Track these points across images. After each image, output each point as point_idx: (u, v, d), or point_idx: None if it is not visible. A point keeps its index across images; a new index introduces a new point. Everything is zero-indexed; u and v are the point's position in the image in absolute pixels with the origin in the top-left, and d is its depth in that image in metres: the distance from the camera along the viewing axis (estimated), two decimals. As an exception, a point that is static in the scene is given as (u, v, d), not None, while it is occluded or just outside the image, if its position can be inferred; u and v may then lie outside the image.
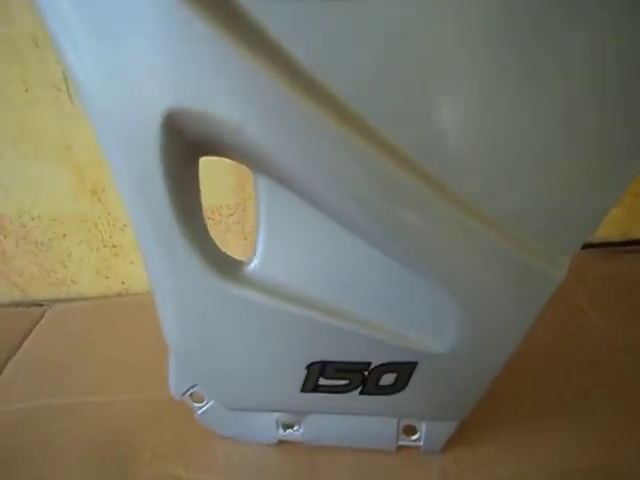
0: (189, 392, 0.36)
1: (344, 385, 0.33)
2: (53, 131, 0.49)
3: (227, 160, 0.28)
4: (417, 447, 0.36)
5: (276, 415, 0.36)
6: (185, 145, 0.27)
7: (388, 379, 0.32)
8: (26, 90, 0.47)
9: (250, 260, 0.31)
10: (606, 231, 0.58)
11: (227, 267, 0.31)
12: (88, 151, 0.50)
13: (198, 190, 0.30)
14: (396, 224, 0.27)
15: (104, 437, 0.40)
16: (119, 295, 0.59)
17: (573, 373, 0.43)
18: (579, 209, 0.28)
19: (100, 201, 0.53)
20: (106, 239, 0.56)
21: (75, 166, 0.51)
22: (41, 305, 0.58)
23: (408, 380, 0.32)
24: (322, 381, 0.32)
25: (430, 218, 0.27)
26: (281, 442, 0.37)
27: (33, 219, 0.54)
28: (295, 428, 0.37)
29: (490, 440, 0.37)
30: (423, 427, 0.35)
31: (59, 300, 0.59)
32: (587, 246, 0.58)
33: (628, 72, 0.24)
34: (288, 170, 0.26)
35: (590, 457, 0.36)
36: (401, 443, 0.36)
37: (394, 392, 0.33)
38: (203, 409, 0.37)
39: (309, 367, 0.32)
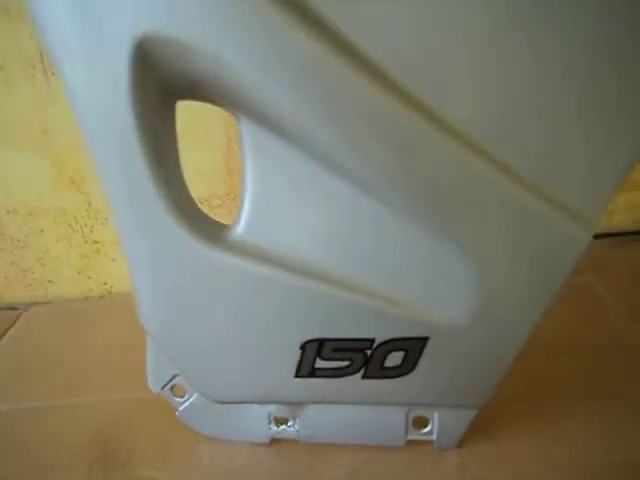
0: (169, 384, 0.32)
1: (344, 367, 0.28)
2: (28, 114, 0.46)
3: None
4: (429, 442, 0.31)
5: (268, 408, 0.32)
6: (159, 84, 0.24)
7: (395, 359, 0.28)
8: (-1, 69, 0.44)
9: (235, 223, 0.27)
10: (623, 220, 0.55)
11: (209, 231, 0.27)
12: (67, 136, 0.47)
13: (176, 143, 0.27)
14: (406, 168, 0.23)
15: (77, 439, 0.36)
16: (101, 297, 0.55)
17: (598, 366, 0.39)
18: (603, 159, 0.25)
19: (80, 191, 0.50)
20: (87, 234, 0.52)
21: (53, 153, 0.48)
22: (16, 309, 0.54)
23: (417, 360, 0.28)
24: (319, 363, 0.28)
25: (442, 163, 0.24)
26: (274, 441, 0.33)
27: (8, 213, 0.51)
28: (289, 424, 0.32)
29: (511, 434, 0.32)
30: (436, 418, 0.31)
31: (35, 303, 0.55)
32: (604, 235, 0.55)
33: None
34: (273, 107, 0.23)
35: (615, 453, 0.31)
36: (411, 437, 0.31)
37: (402, 375, 0.29)
38: (185, 405, 0.33)
39: (304, 346, 0.28)
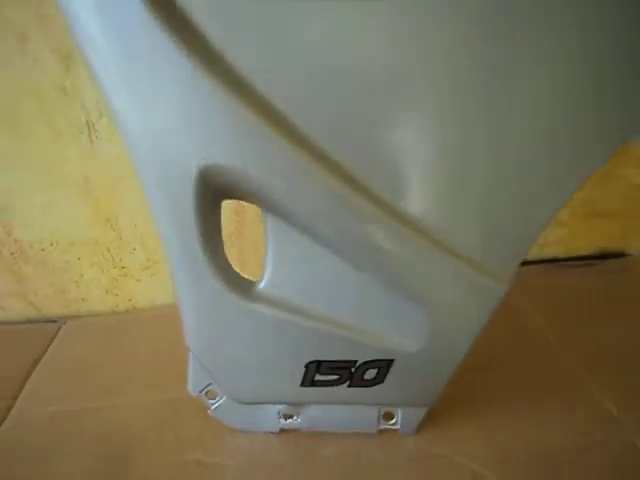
0: (205, 390, 0.44)
1: (335, 380, 0.40)
2: (74, 165, 0.56)
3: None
4: (395, 430, 0.44)
5: (278, 407, 0.44)
6: (212, 191, 0.35)
7: (371, 374, 0.40)
8: (54, 132, 0.54)
9: (259, 280, 0.39)
10: (554, 249, 0.68)
11: (241, 286, 0.38)
12: (104, 184, 0.57)
13: (220, 226, 0.38)
14: (367, 250, 0.35)
15: (124, 434, 0.47)
16: (126, 312, 0.66)
17: (525, 369, 0.52)
18: (516, 235, 0.37)
19: (113, 228, 0.60)
20: (116, 262, 0.63)
21: (92, 196, 0.58)
22: (55, 322, 0.65)
23: (386, 374, 0.40)
24: (318, 377, 0.40)
25: (393, 245, 0.35)
26: (282, 430, 0.45)
27: (51, 244, 0.61)
28: (294, 418, 0.44)
29: (451, 424, 0.45)
30: (399, 413, 0.43)
31: (70, 317, 0.65)
32: (538, 262, 0.68)
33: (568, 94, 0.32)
34: (282, 207, 0.34)
35: (532, 436, 0.44)
36: (381, 427, 0.44)
37: (375, 384, 0.41)
38: (216, 404, 0.44)
39: (307, 365, 0.40)
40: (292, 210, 0.35)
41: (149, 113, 0.32)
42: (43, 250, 0.61)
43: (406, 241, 0.35)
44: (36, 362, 0.57)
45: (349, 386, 0.41)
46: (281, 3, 0.29)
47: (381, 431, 0.44)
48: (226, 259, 0.39)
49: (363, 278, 0.37)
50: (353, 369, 0.40)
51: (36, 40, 0.49)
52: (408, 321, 0.38)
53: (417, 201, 0.34)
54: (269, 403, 0.44)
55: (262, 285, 0.39)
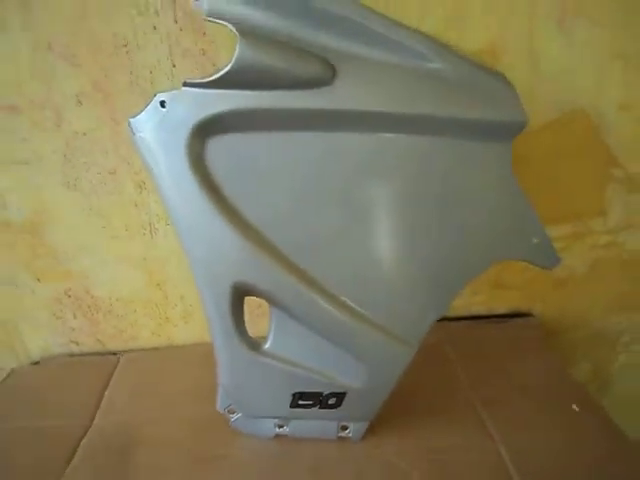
0: (228, 407, 0.68)
1: (311, 403, 0.65)
2: (138, 251, 0.81)
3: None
4: (348, 437, 0.68)
5: (274, 420, 0.68)
6: (239, 292, 0.60)
7: (332, 400, 0.64)
8: (128, 229, 0.79)
9: (265, 342, 0.63)
10: (477, 308, 0.93)
11: (254, 345, 0.63)
12: (157, 263, 0.82)
13: (243, 309, 0.63)
14: (323, 325, 0.60)
15: (173, 439, 0.72)
16: (167, 348, 0.91)
17: (440, 399, 0.76)
18: (416, 318, 0.62)
19: (161, 290, 0.85)
20: (162, 313, 0.88)
21: (147, 269, 0.83)
22: (115, 354, 0.90)
23: (342, 400, 0.65)
24: (300, 402, 0.64)
25: (329, 322, 0.59)
26: (276, 435, 0.69)
27: (117, 300, 0.86)
28: (284, 427, 0.69)
29: (390, 432, 0.70)
30: (351, 425, 0.68)
31: (126, 351, 0.90)
32: (465, 318, 0.92)
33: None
34: (277, 303, 0.59)
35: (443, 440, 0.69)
36: (339, 435, 0.68)
37: (336, 407, 0.65)
38: (235, 418, 0.69)
39: (293, 394, 0.64)
40: (284, 306, 0.60)
41: (195, 245, 0.57)
42: (111, 304, 0.86)
43: (341, 319, 0.58)
44: (106, 384, 0.82)
45: (319, 408, 0.65)
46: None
47: (339, 437, 0.68)
48: (245, 328, 0.64)
49: (324, 342, 0.62)
50: (321, 397, 0.64)
51: (121, 173, 0.75)
52: (353, 368, 0.63)
53: (354, 293, 0.59)
54: (268, 417, 0.68)
55: (267, 346, 0.63)
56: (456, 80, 0.55)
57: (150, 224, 0.79)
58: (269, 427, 0.69)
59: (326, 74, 0.53)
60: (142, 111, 0.51)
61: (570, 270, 0.90)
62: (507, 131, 0.56)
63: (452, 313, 0.90)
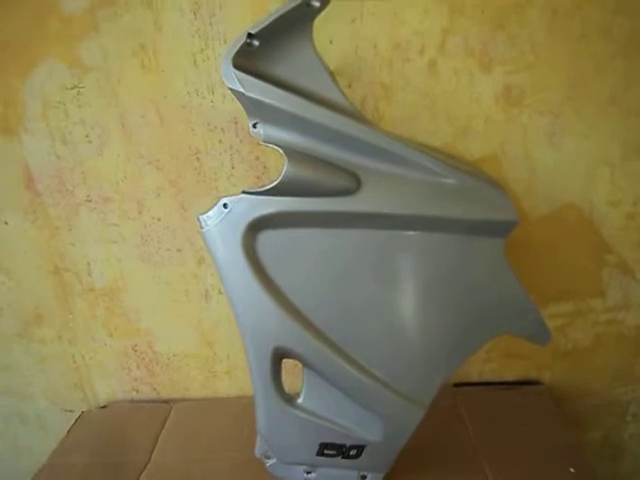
0: (264, 453, 0.80)
1: (335, 453, 0.76)
2: (194, 314, 0.97)
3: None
4: (367, 485, 0.79)
5: (304, 467, 0.80)
6: (278, 354, 0.73)
7: (353, 451, 0.76)
8: (187, 297, 0.95)
9: (299, 397, 0.76)
10: (489, 375, 1.03)
11: (289, 400, 0.75)
12: (209, 321, 0.97)
13: (281, 369, 0.76)
14: (349, 385, 0.72)
15: (227, 474, 0.84)
16: (213, 398, 1.04)
17: (451, 456, 0.86)
18: (427, 382, 0.73)
19: (211, 347, 1.00)
20: (210, 368, 1.02)
21: (199, 329, 0.98)
22: (168, 402, 1.03)
23: (362, 452, 0.76)
24: (325, 451, 0.76)
25: (352, 383, 0.72)
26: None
27: (174, 355, 1.01)
28: (312, 473, 0.80)
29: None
30: (369, 475, 0.79)
31: (178, 400, 1.04)
32: (478, 384, 1.02)
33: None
34: (311, 366, 0.72)
35: None
36: (360, 483, 0.79)
37: (356, 457, 0.76)
38: (270, 463, 0.81)
39: (320, 444, 0.76)
40: (315, 367, 0.73)
41: (244, 315, 0.71)
42: (168, 359, 1.01)
43: (362, 381, 0.71)
44: (161, 427, 0.96)
45: (342, 458, 0.76)
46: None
47: (359, 485, 0.80)
48: (282, 384, 0.76)
49: (348, 400, 0.74)
50: (344, 448, 0.76)
51: (185, 250, 0.92)
52: (372, 424, 0.74)
53: (373, 359, 0.71)
54: (298, 464, 0.80)
55: (300, 400, 0.76)
56: (460, 189, 0.69)
57: (206, 292, 0.95)
58: (299, 472, 0.80)
59: (352, 185, 0.68)
60: (209, 210, 0.66)
61: (574, 342, 1.00)
62: (502, 228, 0.69)
63: (467, 379, 1.00)
